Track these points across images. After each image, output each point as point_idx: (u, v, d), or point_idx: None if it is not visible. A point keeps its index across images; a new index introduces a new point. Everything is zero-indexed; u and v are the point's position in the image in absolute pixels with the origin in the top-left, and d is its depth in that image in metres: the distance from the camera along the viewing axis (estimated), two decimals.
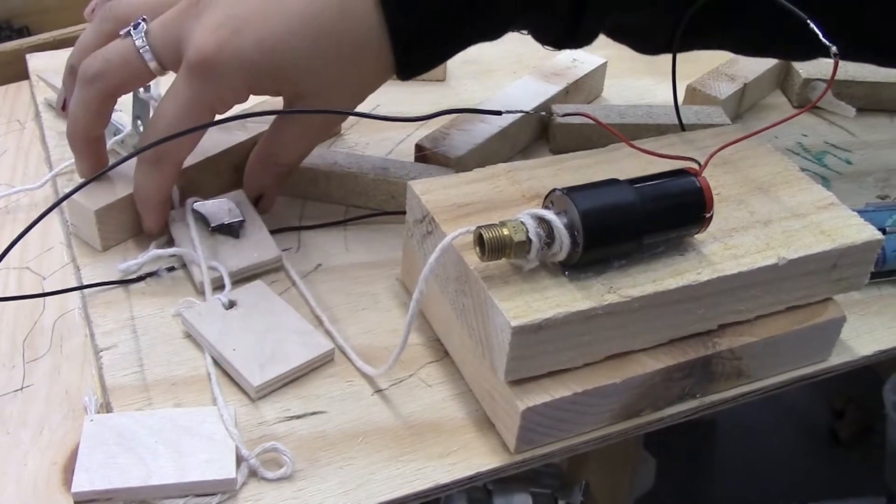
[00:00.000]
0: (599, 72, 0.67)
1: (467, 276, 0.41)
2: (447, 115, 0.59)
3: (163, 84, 0.62)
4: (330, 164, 0.55)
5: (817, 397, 1.02)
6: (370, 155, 0.57)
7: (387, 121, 0.46)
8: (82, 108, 0.48)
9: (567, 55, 0.67)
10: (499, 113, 0.43)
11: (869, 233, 0.45)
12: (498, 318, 0.39)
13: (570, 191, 0.40)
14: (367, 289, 0.49)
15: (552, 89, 0.62)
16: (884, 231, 0.54)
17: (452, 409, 0.43)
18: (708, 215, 0.42)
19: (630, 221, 0.40)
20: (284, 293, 0.49)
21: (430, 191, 0.45)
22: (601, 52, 0.69)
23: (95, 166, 0.50)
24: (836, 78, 0.68)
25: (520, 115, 0.59)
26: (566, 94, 0.63)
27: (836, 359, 0.48)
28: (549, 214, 0.39)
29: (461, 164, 0.55)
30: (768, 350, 0.45)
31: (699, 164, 0.43)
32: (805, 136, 0.66)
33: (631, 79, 0.71)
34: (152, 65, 0.47)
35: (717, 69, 0.67)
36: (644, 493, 0.92)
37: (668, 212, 0.41)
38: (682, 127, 0.56)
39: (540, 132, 0.62)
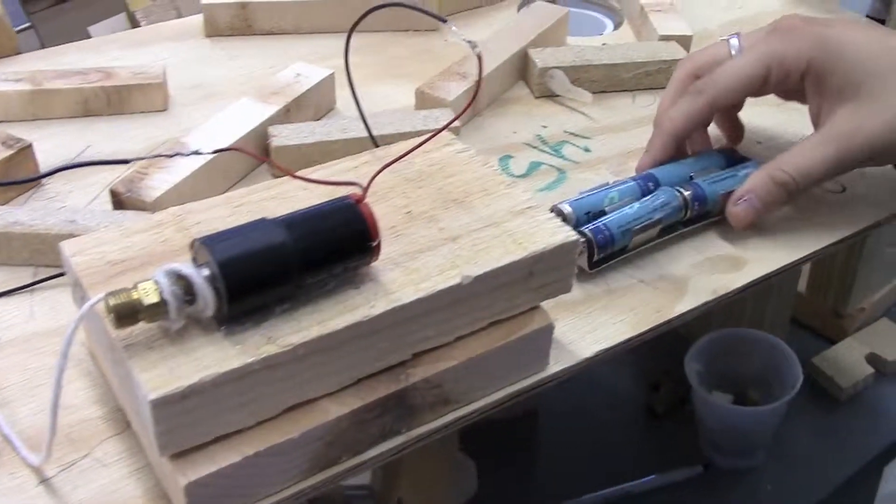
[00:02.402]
0: (326, 84, 0.63)
1: (112, 345, 0.37)
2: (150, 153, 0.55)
3: None
4: (10, 223, 0.50)
5: (635, 374, 1.02)
6: (64, 206, 0.53)
7: None
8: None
9: (291, 71, 0.63)
10: (122, 162, 0.39)
11: (563, 235, 0.44)
12: (139, 391, 0.35)
13: (209, 240, 0.37)
14: (50, 360, 0.45)
15: (270, 110, 0.59)
16: (603, 212, 0.53)
17: (130, 488, 0.39)
18: (374, 244, 0.39)
19: (281, 264, 0.37)
20: None
21: (83, 250, 0.41)
22: (330, 63, 0.66)
23: (661, 160, 0.56)
24: (573, 64, 0.67)
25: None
26: (287, 114, 0.60)
27: (556, 366, 0.46)
28: (187, 269, 0.36)
29: (159, 207, 0.51)
30: (472, 372, 0.43)
31: (363, 188, 0.40)
32: (545, 126, 0.65)
33: (369, 86, 0.67)
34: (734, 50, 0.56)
35: (448, 69, 0.65)
36: (469, 499, 0.90)
37: (328, 247, 0.38)
38: (374, 141, 0.53)
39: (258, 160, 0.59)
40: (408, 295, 0.40)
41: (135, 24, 1.57)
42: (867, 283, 1.03)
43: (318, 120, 0.63)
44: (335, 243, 0.38)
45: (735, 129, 0.60)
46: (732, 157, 0.58)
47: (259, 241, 0.37)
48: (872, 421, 0.98)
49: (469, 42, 0.44)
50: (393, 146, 0.49)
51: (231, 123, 0.57)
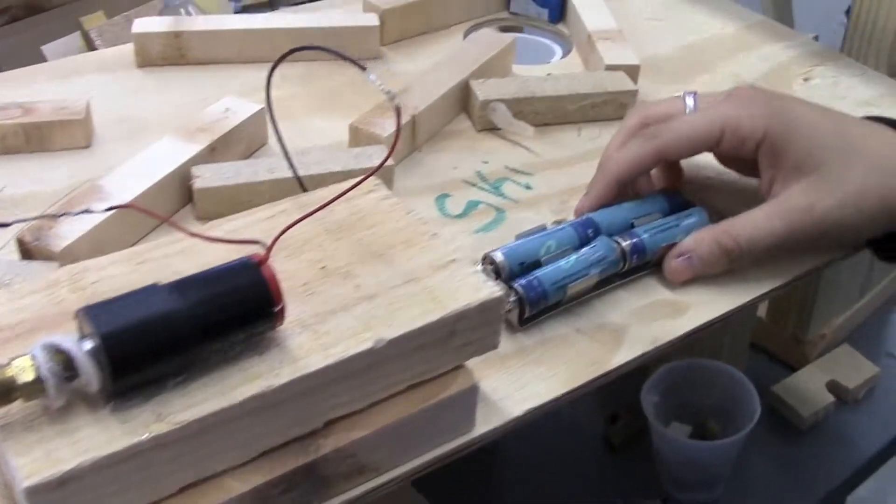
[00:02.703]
0: (256, 120, 0.61)
1: None
2: (64, 197, 0.52)
3: None
4: None
5: (593, 405, 0.99)
6: None
7: None
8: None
9: (219, 105, 0.61)
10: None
11: (487, 291, 0.41)
12: (16, 476, 0.32)
13: (92, 309, 0.34)
14: None
15: (193, 149, 0.56)
16: (538, 263, 0.51)
17: None
18: (277, 309, 0.37)
19: (172, 334, 0.34)
20: None
21: None
22: (259, 97, 0.63)
23: (602, 203, 0.54)
24: (516, 96, 0.65)
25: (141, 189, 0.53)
26: (212, 152, 0.57)
27: (483, 427, 0.44)
28: (67, 343, 0.33)
29: (69, 256, 0.48)
30: (389, 439, 0.40)
31: (267, 247, 0.38)
32: (486, 162, 0.62)
33: (302, 120, 0.65)
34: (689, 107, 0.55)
35: (384, 102, 0.62)
36: None
37: (224, 314, 0.36)
38: (302, 185, 0.50)
39: (183, 200, 0.56)
40: (315, 362, 0.37)
41: (89, 43, 1.54)
42: (828, 309, 1.01)
43: (246, 158, 0.60)
44: (233, 310, 0.36)
45: (675, 174, 0.58)
46: (676, 201, 0.56)
47: (148, 309, 0.34)
48: (834, 450, 0.96)
49: (387, 92, 0.41)
50: (316, 192, 0.47)
51: (151, 164, 0.55)
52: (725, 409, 0.92)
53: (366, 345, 0.38)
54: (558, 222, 0.57)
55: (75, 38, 1.54)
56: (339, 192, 0.44)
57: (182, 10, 1.27)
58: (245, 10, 1.64)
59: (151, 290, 0.35)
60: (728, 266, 0.53)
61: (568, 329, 0.50)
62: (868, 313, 1.07)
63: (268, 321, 0.37)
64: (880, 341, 1.06)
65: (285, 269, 0.42)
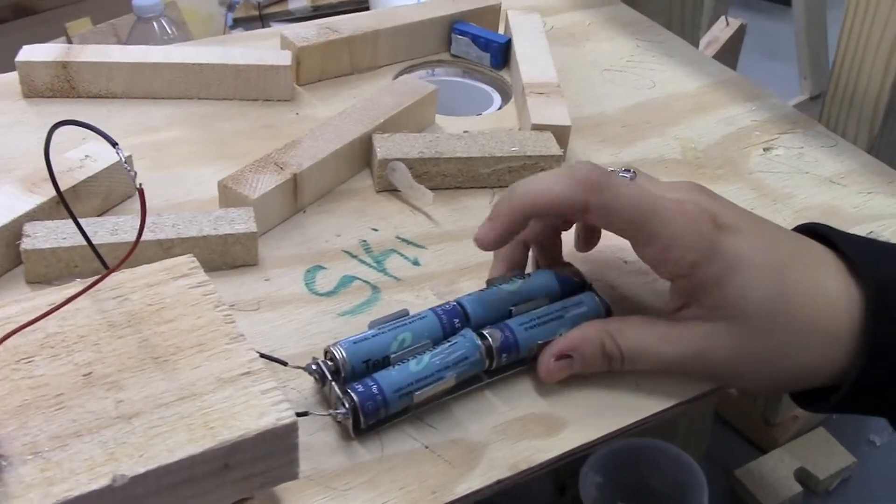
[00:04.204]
0: (120, 169, 0.54)
1: None
2: None
3: None
4: None
5: (546, 473, 0.92)
6: None
7: None
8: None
9: (79, 152, 0.55)
10: None
11: (272, 419, 0.35)
12: None
13: None
14: None
15: (32, 202, 0.50)
16: (388, 359, 0.44)
17: None
18: None
19: None
20: None
21: None
22: (158, 136, 0.58)
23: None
24: (421, 155, 0.58)
25: None
26: (57, 206, 0.51)
27: None
28: None
29: None
30: None
31: None
32: (375, 230, 0.56)
33: (185, 168, 0.59)
34: None
35: (267, 156, 0.56)
36: None
37: None
38: (103, 262, 0.44)
39: (15, 260, 0.50)
40: (31, 502, 0.31)
41: None
42: None
43: (103, 213, 0.54)
44: None
45: (592, 235, 0.51)
46: (569, 283, 0.48)
47: None
48: None
49: (127, 166, 0.35)
50: (121, 273, 0.41)
51: None
52: (673, 495, 0.84)
53: (100, 482, 0.32)
54: None
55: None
56: (150, 273, 0.37)
57: (155, 24, 1.22)
58: (237, 23, 1.60)
59: None
60: (606, 370, 0.46)
61: (415, 444, 0.43)
62: None
63: None
64: (860, 426, 0.97)
65: (42, 374, 0.36)
